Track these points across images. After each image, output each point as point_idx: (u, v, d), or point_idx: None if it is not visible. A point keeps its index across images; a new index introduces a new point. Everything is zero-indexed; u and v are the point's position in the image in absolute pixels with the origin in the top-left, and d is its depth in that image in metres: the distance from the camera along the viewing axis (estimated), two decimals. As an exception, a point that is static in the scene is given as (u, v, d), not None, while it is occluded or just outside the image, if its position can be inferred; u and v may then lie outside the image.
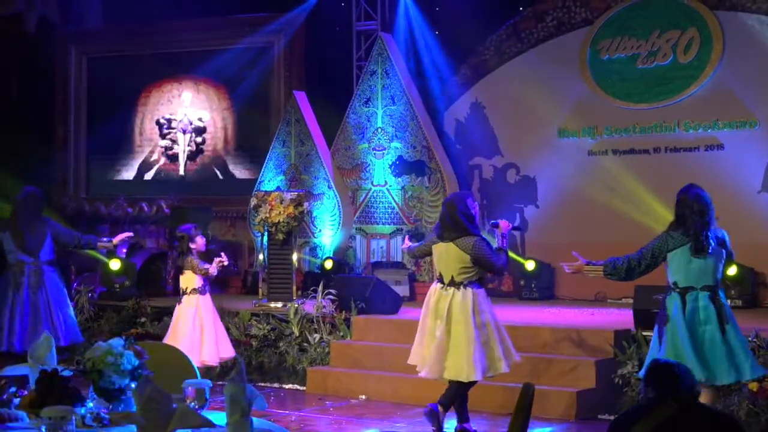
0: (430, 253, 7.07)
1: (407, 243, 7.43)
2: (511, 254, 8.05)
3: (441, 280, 6.84)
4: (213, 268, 8.29)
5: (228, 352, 8.48)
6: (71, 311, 9.07)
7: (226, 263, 8.50)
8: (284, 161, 12.21)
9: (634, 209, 11.02)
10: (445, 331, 6.75)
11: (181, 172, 14.27)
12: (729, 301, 10.06)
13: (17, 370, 3.76)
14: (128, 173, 14.71)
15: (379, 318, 9.37)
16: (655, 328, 6.34)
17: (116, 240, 9.03)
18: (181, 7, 13.81)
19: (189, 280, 8.33)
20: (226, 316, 9.92)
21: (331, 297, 9.54)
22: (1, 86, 14.91)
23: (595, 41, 11.68)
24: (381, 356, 8.87)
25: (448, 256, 6.81)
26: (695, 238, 6.14)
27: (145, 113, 14.60)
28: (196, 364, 7.82)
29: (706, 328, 6.16)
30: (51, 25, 15.07)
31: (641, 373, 6.42)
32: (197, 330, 8.26)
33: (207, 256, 8.44)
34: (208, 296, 8.41)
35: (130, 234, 9.33)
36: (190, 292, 8.31)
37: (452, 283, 6.78)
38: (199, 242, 8.34)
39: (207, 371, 8.17)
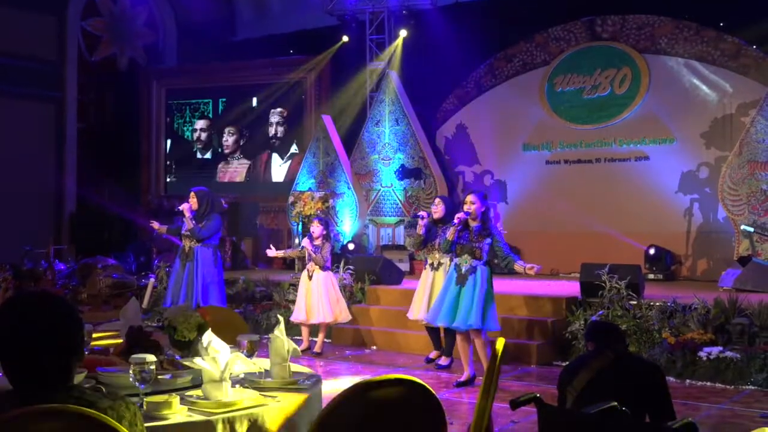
0: None
1: None
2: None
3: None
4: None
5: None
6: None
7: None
8: (314, 168, 12.17)
9: (580, 205, 10.99)
10: None
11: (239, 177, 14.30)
12: (652, 275, 10.23)
13: (111, 325, 3.76)
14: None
15: (386, 287, 9.36)
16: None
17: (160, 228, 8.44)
18: (238, 49, 13.80)
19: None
20: (270, 285, 9.93)
21: (350, 271, 9.53)
22: (99, 113, 14.91)
23: (551, 77, 11.62)
24: (388, 316, 8.87)
25: None
26: None
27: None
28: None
29: None
30: (137, 65, 15.06)
31: None
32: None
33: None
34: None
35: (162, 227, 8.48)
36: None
37: None
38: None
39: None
